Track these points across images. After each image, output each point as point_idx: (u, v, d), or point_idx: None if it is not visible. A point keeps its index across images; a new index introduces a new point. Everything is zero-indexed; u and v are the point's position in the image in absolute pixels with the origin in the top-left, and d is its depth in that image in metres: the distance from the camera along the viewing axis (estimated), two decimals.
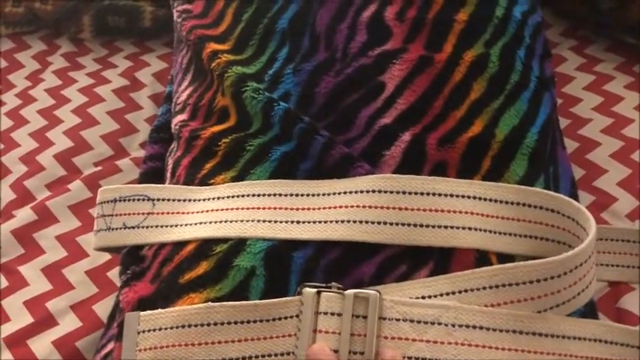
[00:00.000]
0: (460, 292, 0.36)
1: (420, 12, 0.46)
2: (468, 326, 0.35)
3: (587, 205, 0.56)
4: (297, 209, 0.40)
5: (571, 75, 0.67)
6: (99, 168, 0.65)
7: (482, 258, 0.38)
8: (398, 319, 0.35)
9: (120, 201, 0.45)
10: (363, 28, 0.46)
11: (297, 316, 0.36)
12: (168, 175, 0.48)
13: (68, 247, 0.58)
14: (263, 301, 0.37)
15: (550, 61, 0.51)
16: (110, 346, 0.42)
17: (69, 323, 0.53)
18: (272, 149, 0.43)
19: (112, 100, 0.72)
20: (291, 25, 0.48)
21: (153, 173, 0.51)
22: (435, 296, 0.36)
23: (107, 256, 0.57)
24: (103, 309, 0.53)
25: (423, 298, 0.36)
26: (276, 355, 0.36)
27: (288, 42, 0.48)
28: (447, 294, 0.36)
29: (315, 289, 0.35)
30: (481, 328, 0.35)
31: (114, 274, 0.55)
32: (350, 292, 0.35)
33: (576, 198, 0.49)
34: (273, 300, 0.36)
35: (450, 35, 0.45)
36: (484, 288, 0.36)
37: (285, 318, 0.36)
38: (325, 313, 0.35)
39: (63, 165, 0.66)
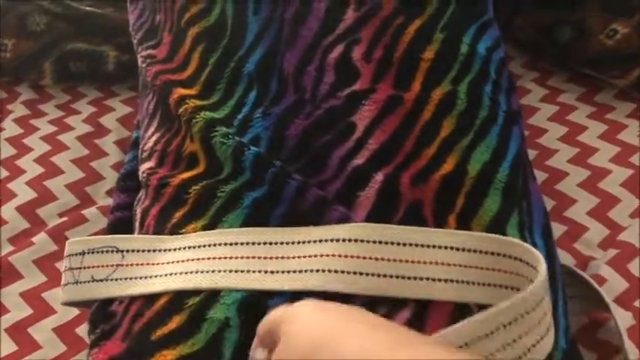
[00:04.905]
0: None
1: (386, 52, 0.46)
2: None
3: (559, 235, 0.56)
4: (272, 258, 0.39)
5: (535, 106, 0.68)
6: (64, 219, 0.63)
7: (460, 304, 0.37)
8: None
9: (88, 253, 0.43)
10: (330, 69, 0.46)
11: None
12: (137, 225, 0.46)
13: (34, 304, 0.56)
14: None
15: (515, 94, 0.52)
16: None
17: None
18: (244, 195, 0.42)
19: (76, 147, 0.71)
20: (258, 68, 0.48)
21: (121, 224, 0.49)
22: None
23: (75, 312, 0.54)
24: None
25: None
26: None
27: (256, 85, 0.47)
28: None
29: None
30: None
31: (83, 330, 0.53)
32: None
33: (549, 229, 0.49)
34: None
35: (418, 74, 0.45)
36: None
37: None
38: None
39: (26, 217, 0.63)
